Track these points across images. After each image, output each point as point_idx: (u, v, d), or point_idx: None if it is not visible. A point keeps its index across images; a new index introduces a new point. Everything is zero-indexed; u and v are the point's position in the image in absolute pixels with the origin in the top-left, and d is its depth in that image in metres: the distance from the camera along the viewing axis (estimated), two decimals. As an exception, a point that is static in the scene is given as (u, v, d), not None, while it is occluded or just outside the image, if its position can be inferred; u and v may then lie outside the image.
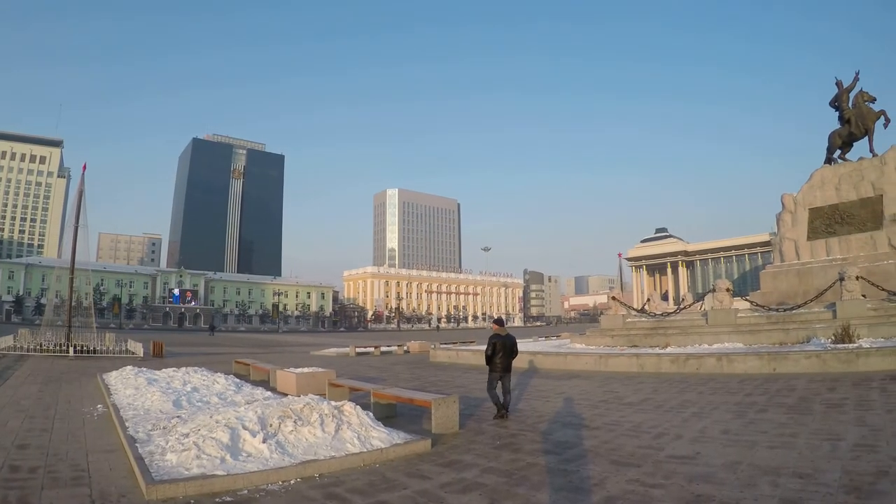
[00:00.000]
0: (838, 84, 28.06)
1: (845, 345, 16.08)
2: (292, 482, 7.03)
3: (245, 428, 8.07)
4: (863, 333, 17.40)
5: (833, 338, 16.96)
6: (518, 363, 22.30)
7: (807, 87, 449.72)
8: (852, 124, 27.12)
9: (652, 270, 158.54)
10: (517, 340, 12.10)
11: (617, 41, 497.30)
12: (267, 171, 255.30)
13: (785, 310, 21.72)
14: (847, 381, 13.10)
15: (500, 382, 11.51)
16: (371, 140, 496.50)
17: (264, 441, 7.87)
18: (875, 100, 26.75)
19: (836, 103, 28.10)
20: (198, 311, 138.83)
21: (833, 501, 5.64)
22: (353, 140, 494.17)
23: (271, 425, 8.34)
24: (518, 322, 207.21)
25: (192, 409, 11.54)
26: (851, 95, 27.43)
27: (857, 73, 27.35)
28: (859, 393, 11.52)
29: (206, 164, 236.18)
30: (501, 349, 11.33)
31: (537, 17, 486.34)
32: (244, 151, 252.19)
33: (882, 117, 26.22)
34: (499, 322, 12.10)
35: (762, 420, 9.71)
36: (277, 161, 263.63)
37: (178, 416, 10.19)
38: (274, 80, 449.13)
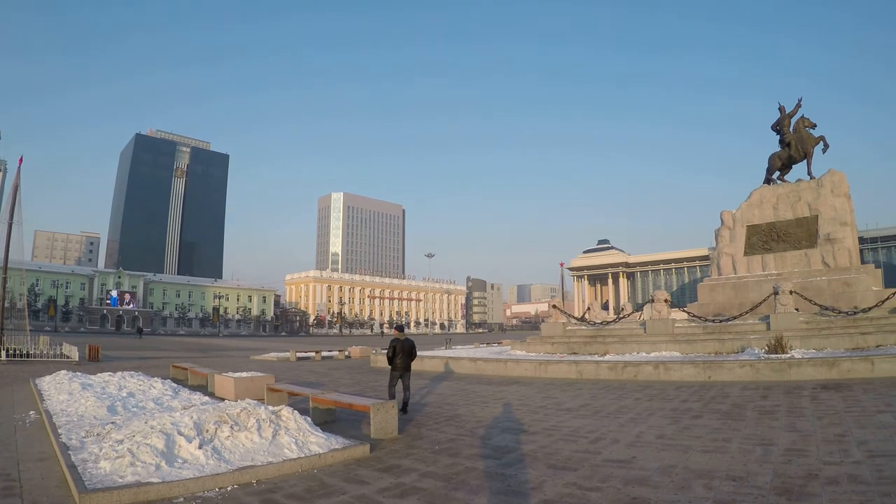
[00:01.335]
0: (781, 109, 29.10)
1: (778, 355, 16.49)
2: (229, 489, 6.94)
3: (181, 434, 7.92)
4: (795, 345, 17.93)
5: (767, 348, 17.37)
6: (434, 366, 23.39)
7: (749, 103, 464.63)
8: (792, 148, 28.20)
9: (593, 280, 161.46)
10: (416, 344, 13.50)
11: (562, 62, 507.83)
12: (211, 170, 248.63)
13: (721, 321, 22.22)
14: (779, 390, 13.40)
15: (400, 380, 12.78)
16: (318, 145, 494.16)
17: (200, 447, 7.73)
18: (815, 126, 27.94)
19: (778, 127, 29.14)
20: (136, 313, 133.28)
21: (765, 503, 5.69)
22: (300, 144, 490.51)
23: (207, 431, 8.20)
24: (460, 328, 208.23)
25: (127, 415, 11.33)
26: (793, 121, 28.55)
27: (800, 100, 28.46)
28: (791, 400, 11.78)
29: (149, 161, 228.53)
30: (401, 351, 12.66)
31: (491, 37, 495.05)
32: (188, 149, 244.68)
33: (821, 143, 27.36)
34: (399, 328, 13.53)
35: (697, 425, 9.81)
36: (222, 161, 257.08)
37: (112, 423, 9.99)
38: (221, 81, 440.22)
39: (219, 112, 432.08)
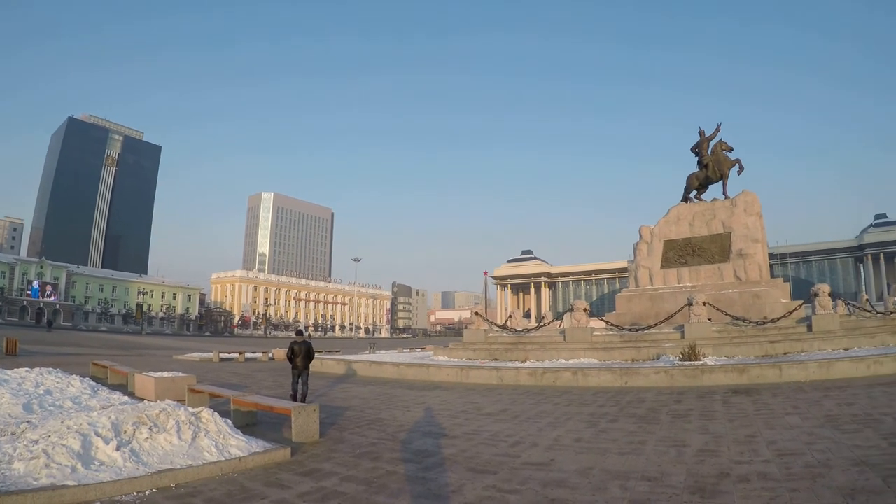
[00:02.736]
0: (701, 133, 30.47)
1: (692, 362, 17.04)
2: (147, 492, 6.81)
3: (98, 435, 7.69)
4: (708, 352, 18.59)
5: (681, 356, 17.93)
6: (357, 370, 23.90)
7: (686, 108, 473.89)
8: (709, 169, 29.65)
9: (516, 289, 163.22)
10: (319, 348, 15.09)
11: (494, 57, 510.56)
12: (142, 161, 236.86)
13: (638, 330, 22.84)
14: (692, 394, 13.83)
15: (299, 378, 14.42)
16: (250, 143, 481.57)
17: (118, 449, 7.55)
18: (732, 149, 29.58)
19: (697, 149, 30.53)
20: (57, 306, 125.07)
21: (679, 501, 5.84)
22: (232, 141, 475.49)
23: (125, 432, 7.97)
24: (385, 333, 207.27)
25: (43, 414, 11.15)
26: (711, 144, 30.01)
27: (719, 125, 30.06)
28: (703, 405, 12.16)
29: (80, 146, 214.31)
30: (299, 352, 14.29)
31: (417, 33, 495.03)
32: (121, 138, 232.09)
33: (737, 165, 28.95)
34: (299, 332, 15.13)
35: (613, 429, 10.00)
36: (154, 152, 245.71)
37: (28, 421, 9.88)
38: (157, 73, 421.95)
39: (153, 103, 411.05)
